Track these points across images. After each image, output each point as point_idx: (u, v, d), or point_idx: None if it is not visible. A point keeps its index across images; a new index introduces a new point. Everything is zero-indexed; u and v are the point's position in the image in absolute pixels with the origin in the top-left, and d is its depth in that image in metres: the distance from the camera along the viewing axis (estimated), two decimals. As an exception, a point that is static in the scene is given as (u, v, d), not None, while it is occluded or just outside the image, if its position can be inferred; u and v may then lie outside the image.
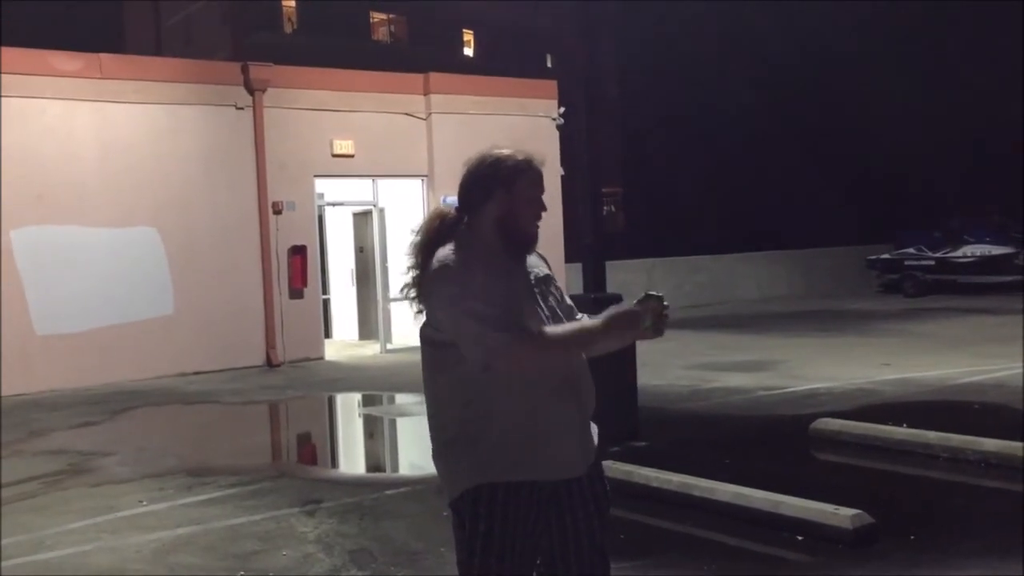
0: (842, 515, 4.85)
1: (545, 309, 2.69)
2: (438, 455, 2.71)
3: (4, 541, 5.52)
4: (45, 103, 12.04)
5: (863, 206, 26.30)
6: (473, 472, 2.60)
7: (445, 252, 2.63)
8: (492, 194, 2.67)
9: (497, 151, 2.73)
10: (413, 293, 2.73)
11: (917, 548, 4.89)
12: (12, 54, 12.11)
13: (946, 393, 9.01)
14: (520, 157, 2.71)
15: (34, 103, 11.96)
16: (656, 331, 2.66)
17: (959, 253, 19.49)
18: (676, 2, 27.82)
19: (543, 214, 2.76)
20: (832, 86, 28.15)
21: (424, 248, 2.71)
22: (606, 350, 2.82)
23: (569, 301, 2.84)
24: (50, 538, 5.57)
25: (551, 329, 2.61)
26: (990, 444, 6.29)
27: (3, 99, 11.74)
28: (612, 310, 2.61)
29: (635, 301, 2.66)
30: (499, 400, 2.59)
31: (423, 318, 2.74)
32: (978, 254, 19.24)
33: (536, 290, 2.71)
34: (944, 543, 4.98)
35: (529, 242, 2.72)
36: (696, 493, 5.53)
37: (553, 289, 2.79)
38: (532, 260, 2.77)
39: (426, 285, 2.65)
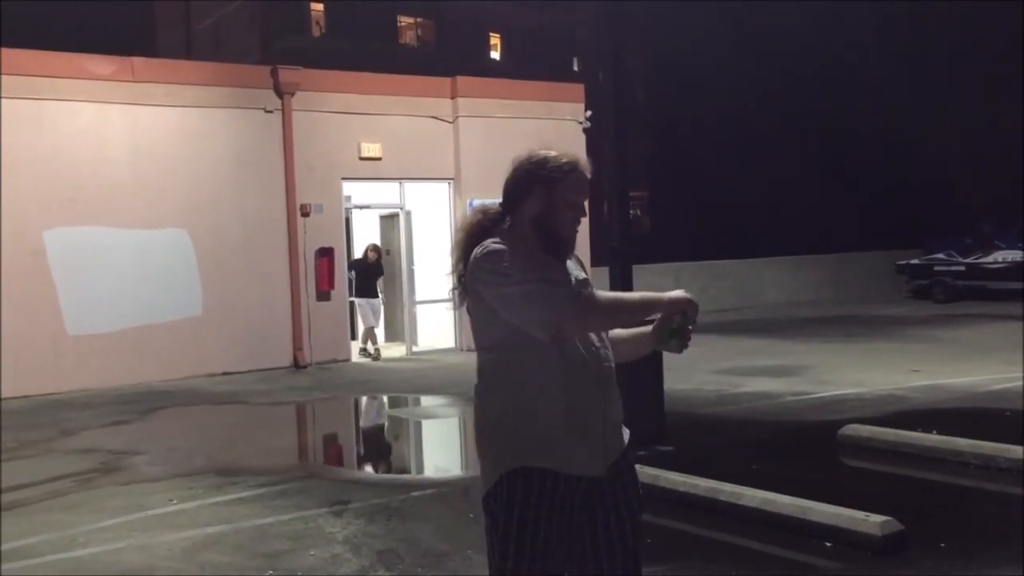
0: (871, 522, 4.82)
1: None
2: (480, 440, 2.72)
3: (36, 539, 5.60)
4: (78, 106, 12.20)
5: (893, 210, 26.08)
6: (512, 457, 2.61)
7: (487, 241, 2.65)
8: (532, 191, 2.68)
9: (546, 151, 2.73)
10: (459, 288, 2.73)
11: (947, 556, 4.85)
12: (46, 57, 12.28)
13: (976, 400, 8.91)
14: (566, 160, 2.70)
15: (67, 106, 12.12)
16: (680, 343, 2.72)
17: (990, 259, 19.28)
18: (704, 4, 27.73)
19: (582, 220, 2.75)
20: (862, 90, 27.94)
21: (466, 243, 2.71)
22: (635, 355, 2.85)
23: None
24: (82, 536, 5.64)
25: (618, 293, 2.68)
26: (1021, 451, 6.22)
27: (39, 102, 11.92)
28: (679, 293, 2.71)
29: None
30: (543, 390, 2.60)
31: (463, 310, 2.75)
32: (1009, 260, 19.02)
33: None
34: (974, 551, 4.93)
35: (564, 246, 2.72)
36: (723, 498, 5.51)
37: None
38: (569, 264, 2.77)
39: (471, 271, 2.63)
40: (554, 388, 2.60)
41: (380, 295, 14.41)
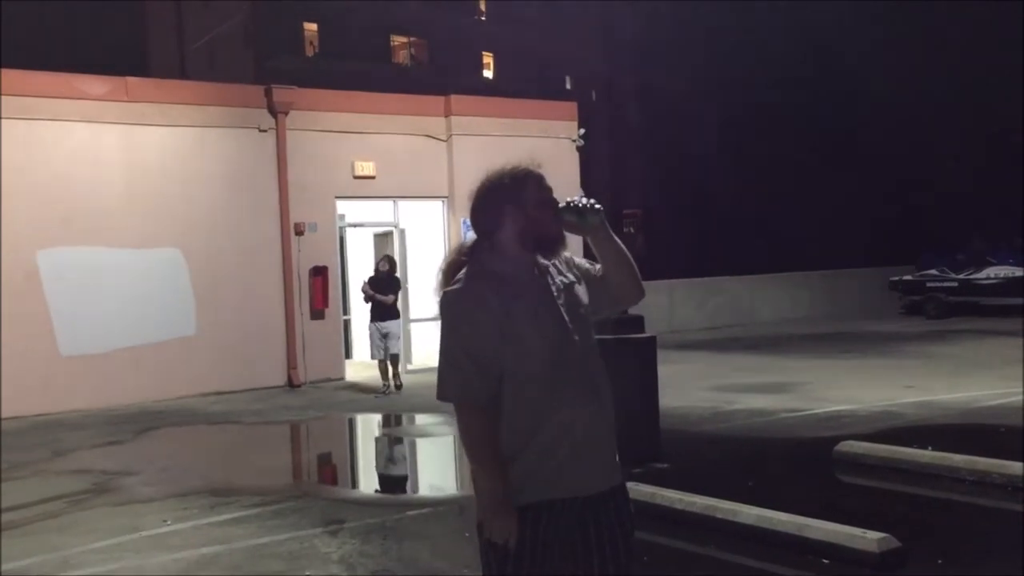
0: (869, 538, 4.81)
1: (568, 320, 2.69)
2: (473, 472, 2.74)
3: (29, 560, 5.57)
4: (72, 126, 12.20)
5: (886, 227, 26.17)
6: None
7: (457, 278, 2.71)
8: (504, 213, 2.71)
9: (491, 173, 2.77)
10: None
11: (944, 572, 4.85)
12: (40, 78, 12.31)
13: (970, 416, 8.92)
14: (517, 168, 2.75)
15: (62, 126, 12.13)
16: (587, 219, 2.72)
17: (982, 275, 19.34)
18: (696, 24, 27.91)
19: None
20: (856, 106, 28.10)
21: (447, 273, 2.78)
22: (617, 268, 2.84)
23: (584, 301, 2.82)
24: (75, 557, 5.60)
25: (480, 423, 2.64)
26: (1017, 467, 6.23)
27: (32, 122, 11.92)
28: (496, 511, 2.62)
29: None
30: (531, 421, 2.61)
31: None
32: (1002, 275, 19.08)
33: (560, 301, 2.72)
34: (972, 566, 4.93)
35: (557, 242, 2.75)
36: (720, 515, 5.49)
37: (581, 297, 2.79)
38: (554, 269, 2.78)
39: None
40: (543, 416, 2.61)
41: (397, 316, 12.45)
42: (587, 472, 2.66)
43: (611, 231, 2.79)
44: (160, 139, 12.81)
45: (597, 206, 2.74)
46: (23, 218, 11.79)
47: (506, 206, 2.70)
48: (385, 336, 12.11)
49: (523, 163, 2.76)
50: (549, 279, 2.74)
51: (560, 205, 2.73)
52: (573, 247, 2.87)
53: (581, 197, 2.75)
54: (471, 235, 2.84)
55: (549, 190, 2.76)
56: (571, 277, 2.80)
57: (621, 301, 2.90)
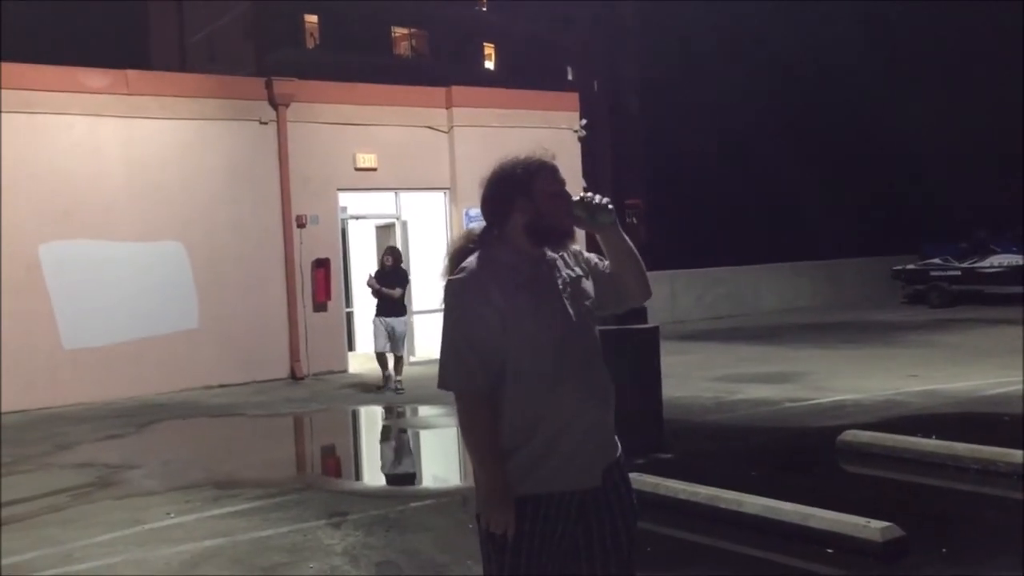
0: (872, 527, 4.80)
1: (573, 313, 2.69)
2: (474, 464, 2.74)
3: (32, 554, 5.57)
4: (73, 119, 12.19)
5: (889, 216, 26.11)
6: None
7: (463, 267, 2.69)
8: (514, 204, 2.69)
9: (505, 162, 2.75)
10: None
11: (948, 561, 4.83)
12: (41, 71, 12.28)
13: (974, 405, 8.90)
14: (530, 159, 2.73)
15: (62, 119, 12.11)
16: (598, 218, 2.70)
17: (986, 263, 19.29)
18: (700, 16, 27.83)
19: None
20: (859, 97, 28.02)
21: (453, 259, 2.76)
22: (623, 267, 2.80)
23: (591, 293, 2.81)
24: (78, 551, 5.60)
25: (480, 414, 2.63)
26: (1020, 456, 6.21)
27: (33, 116, 11.90)
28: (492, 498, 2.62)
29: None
30: (541, 411, 2.61)
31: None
32: (1005, 264, 19.03)
33: (565, 294, 2.71)
34: (975, 556, 4.92)
35: (565, 235, 2.74)
36: (724, 505, 5.49)
37: (587, 291, 2.78)
38: (561, 263, 2.77)
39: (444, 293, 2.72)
40: (545, 410, 2.60)
41: (404, 313, 11.77)
42: (588, 465, 2.65)
43: (621, 230, 2.77)
44: (161, 132, 12.79)
45: (610, 205, 2.72)
46: (24, 212, 11.79)
47: (517, 196, 2.68)
48: (391, 333, 11.51)
49: (536, 154, 2.73)
50: (556, 272, 2.73)
51: (573, 199, 2.72)
52: (578, 241, 2.85)
53: (594, 194, 2.73)
54: (473, 226, 2.83)
55: (562, 183, 2.74)
56: (578, 271, 2.79)
57: (627, 299, 2.88)
